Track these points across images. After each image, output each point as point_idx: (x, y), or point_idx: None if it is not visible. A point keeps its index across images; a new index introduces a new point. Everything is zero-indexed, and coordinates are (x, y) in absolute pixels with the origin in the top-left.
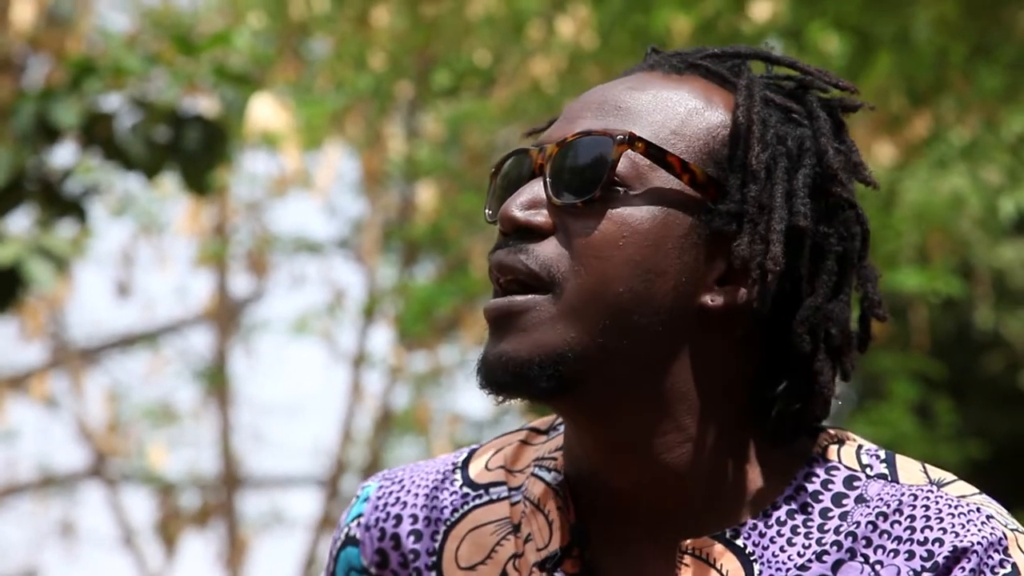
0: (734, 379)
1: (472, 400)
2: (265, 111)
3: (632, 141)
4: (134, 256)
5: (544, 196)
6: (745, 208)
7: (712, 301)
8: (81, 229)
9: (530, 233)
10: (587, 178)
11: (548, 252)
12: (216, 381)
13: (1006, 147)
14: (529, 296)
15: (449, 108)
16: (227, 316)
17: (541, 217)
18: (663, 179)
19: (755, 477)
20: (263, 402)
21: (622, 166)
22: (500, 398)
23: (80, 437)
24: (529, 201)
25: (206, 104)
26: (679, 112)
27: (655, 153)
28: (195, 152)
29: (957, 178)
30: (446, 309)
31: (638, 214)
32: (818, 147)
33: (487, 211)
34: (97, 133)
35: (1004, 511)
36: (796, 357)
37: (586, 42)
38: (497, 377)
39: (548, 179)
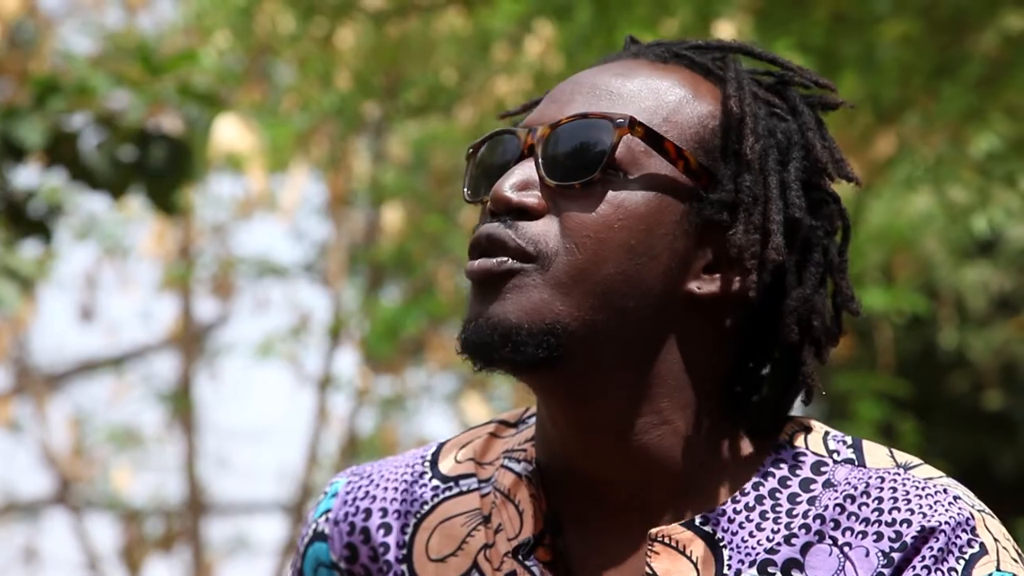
0: (713, 367)
1: (439, 424)
2: (230, 132)
3: (632, 125)
4: (98, 280)
5: (536, 177)
6: (740, 198)
7: (699, 288)
8: (45, 250)
9: (522, 213)
10: (583, 160)
11: (538, 230)
12: (181, 406)
13: (973, 165)
14: (517, 262)
15: (415, 129)
16: (191, 340)
17: (533, 198)
18: (658, 165)
19: (725, 464)
20: (228, 427)
21: (619, 150)
22: (481, 365)
23: (44, 462)
24: (521, 182)
25: (171, 123)
26: (669, 100)
27: (653, 138)
28: (161, 171)
29: (923, 198)
30: (412, 331)
31: (634, 198)
32: (805, 141)
33: (465, 190)
34: (62, 152)
35: (971, 493)
36: (781, 347)
37: (551, 62)
38: (484, 338)
39: (540, 160)
